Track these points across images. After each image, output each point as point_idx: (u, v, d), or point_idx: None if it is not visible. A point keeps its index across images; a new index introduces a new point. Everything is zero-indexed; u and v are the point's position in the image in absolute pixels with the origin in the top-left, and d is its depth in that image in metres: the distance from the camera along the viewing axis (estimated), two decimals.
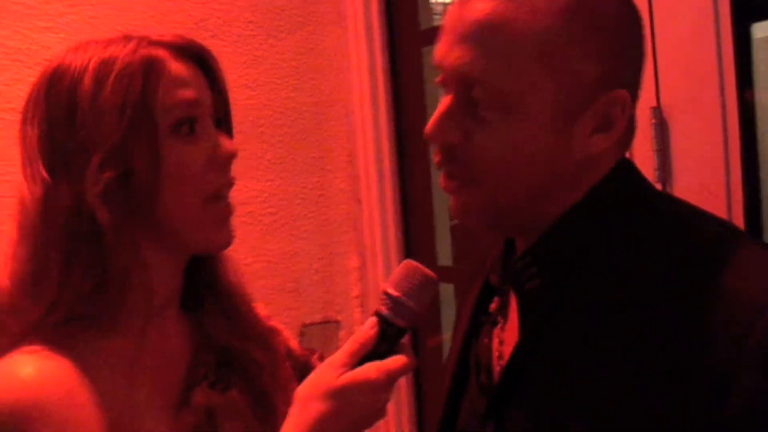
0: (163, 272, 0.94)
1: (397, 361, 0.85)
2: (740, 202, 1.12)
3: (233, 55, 1.91)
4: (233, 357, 0.99)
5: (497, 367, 0.86)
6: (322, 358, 0.92)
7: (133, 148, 0.87)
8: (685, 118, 1.19)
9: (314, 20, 2.02)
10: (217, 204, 0.94)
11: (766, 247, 0.79)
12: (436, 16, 2.06)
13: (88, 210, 0.87)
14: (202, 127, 0.93)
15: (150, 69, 0.89)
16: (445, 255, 1.99)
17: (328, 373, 0.85)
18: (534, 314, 0.82)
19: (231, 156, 0.95)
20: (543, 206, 0.81)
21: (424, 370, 1.95)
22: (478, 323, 0.93)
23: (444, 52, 0.80)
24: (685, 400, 0.69)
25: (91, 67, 0.88)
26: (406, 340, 0.89)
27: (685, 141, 1.19)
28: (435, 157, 0.84)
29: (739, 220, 1.12)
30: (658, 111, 1.21)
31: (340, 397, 0.83)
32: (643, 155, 1.19)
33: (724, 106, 1.13)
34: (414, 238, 2.00)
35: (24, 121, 0.91)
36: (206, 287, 1.02)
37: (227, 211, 0.96)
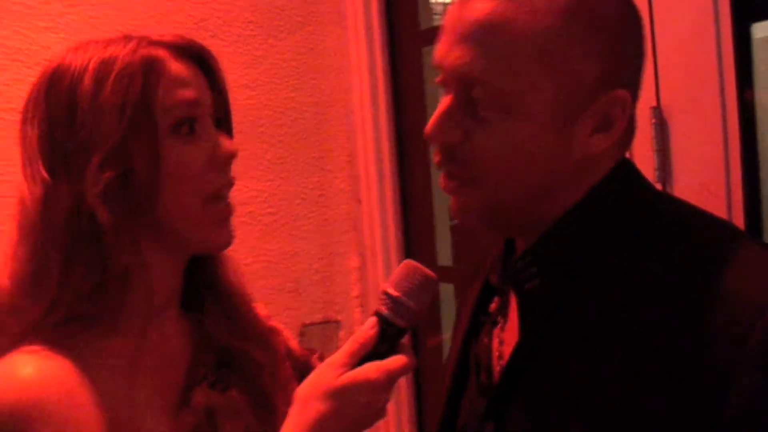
0: (164, 272, 0.94)
1: (397, 361, 0.85)
2: (740, 201, 1.12)
3: (233, 55, 1.91)
4: (233, 357, 0.99)
5: (497, 367, 0.86)
6: (322, 358, 0.92)
7: (133, 148, 0.87)
8: (685, 118, 1.19)
9: (314, 20, 2.02)
10: (217, 204, 0.94)
11: (766, 247, 0.79)
12: (436, 16, 2.06)
13: (88, 210, 0.87)
14: (202, 127, 0.93)
15: (150, 69, 0.89)
16: (445, 255, 1.99)
17: (328, 373, 0.85)
18: (534, 314, 0.82)
19: (231, 156, 0.95)
20: (543, 206, 0.81)
21: (424, 370, 1.95)
22: (478, 323, 0.93)
23: (444, 52, 0.80)
24: (685, 400, 0.69)
25: (91, 67, 0.88)
26: (406, 340, 0.89)
27: (685, 141, 1.19)
28: (435, 157, 0.84)
29: (739, 220, 1.12)
30: (658, 111, 1.21)
31: (340, 397, 0.83)
32: (643, 155, 1.19)
33: (724, 106, 1.13)
34: (414, 238, 2.00)
35: (24, 121, 0.91)
36: (206, 287, 1.02)
37: (227, 211, 0.96)
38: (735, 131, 1.13)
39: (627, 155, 0.84)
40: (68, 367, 0.86)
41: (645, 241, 0.78)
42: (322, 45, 2.03)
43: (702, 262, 0.74)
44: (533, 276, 0.81)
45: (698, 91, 1.16)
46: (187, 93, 0.91)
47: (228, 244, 0.97)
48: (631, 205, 0.81)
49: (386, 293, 0.87)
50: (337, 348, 0.87)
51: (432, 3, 2.07)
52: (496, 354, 0.87)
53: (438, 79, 0.83)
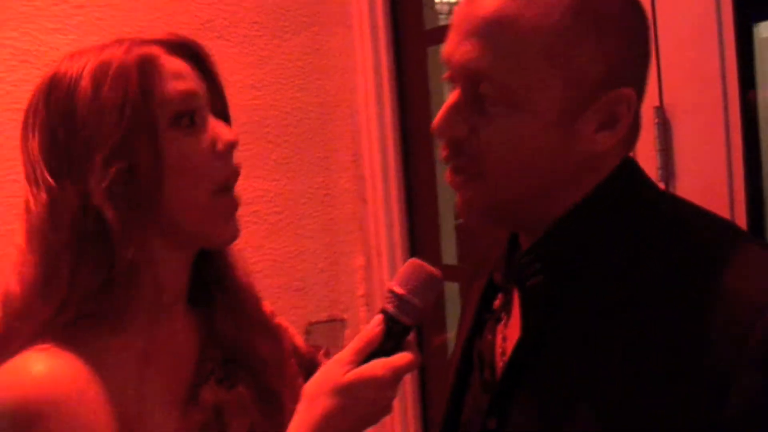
0: (171, 268, 0.95)
1: (402, 358, 0.86)
2: (743, 201, 1.13)
3: (239, 56, 1.92)
4: (240, 353, 1.00)
5: (500, 364, 0.86)
6: (328, 355, 0.93)
7: (135, 144, 0.88)
8: (688, 118, 1.19)
9: (320, 21, 2.03)
10: (225, 196, 0.95)
11: (766, 247, 0.79)
12: (442, 16, 2.07)
13: (94, 209, 0.87)
14: (202, 119, 0.94)
15: (145, 66, 0.90)
16: (449, 254, 1.99)
17: (335, 370, 0.86)
18: (536, 310, 0.82)
19: (232, 144, 0.95)
20: (548, 203, 0.82)
21: (429, 368, 1.95)
22: (482, 320, 0.93)
23: (452, 47, 0.80)
24: (685, 399, 0.69)
25: (88, 70, 0.89)
26: (411, 337, 0.90)
27: (688, 140, 1.19)
28: (442, 152, 0.84)
29: (741, 220, 1.12)
30: (661, 110, 1.21)
31: (347, 393, 0.84)
32: (646, 155, 1.19)
33: (726, 105, 1.13)
34: (419, 237, 2.01)
35: (24, 130, 0.92)
36: (214, 282, 1.02)
37: (234, 204, 0.96)
38: (738, 131, 1.13)
39: (630, 155, 0.85)
40: (78, 364, 0.87)
41: (645, 240, 0.78)
42: (327, 45, 2.04)
43: (702, 262, 0.75)
44: (536, 273, 0.82)
45: (701, 91, 1.16)
46: (184, 85, 0.92)
47: (234, 238, 0.97)
48: (633, 205, 0.81)
49: (392, 291, 0.88)
50: (343, 346, 0.88)
51: (437, 3, 2.07)
52: (499, 351, 0.88)
53: (446, 75, 0.83)
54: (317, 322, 2.03)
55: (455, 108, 0.80)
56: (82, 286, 0.87)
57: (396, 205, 2.00)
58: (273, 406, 0.99)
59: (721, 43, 1.14)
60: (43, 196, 0.88)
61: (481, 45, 0.77)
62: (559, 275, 0.81)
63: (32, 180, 0.90)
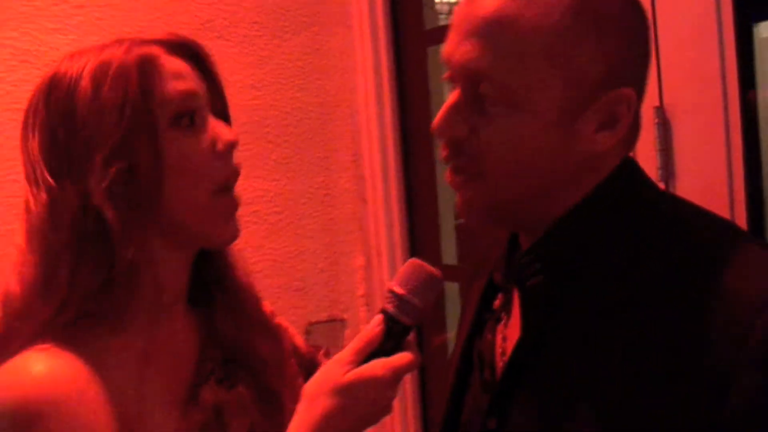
0: (171, 268, 0.95)
1: (402, 358, 0.86)
2: (743, 201, 1.13)
3: (239, 56, 1.92)
4: (240, 353, 1.00)
5: (500, 364, 0.87)
6: (328, 354, 0.93)
7: (135, 144, 0.88)
8: (688, 118, 1.19)
9: (319, 21, 2.03)
10: (225, 196, 0.95)
11: (766, 247, 0.79)
12: (442, 16, 2.07)
13: (95, 209, 0.87)
14: (202, 119, 0.94)
15: (145, 65, 0.90)
16: (449, 254, 1.99)
17: (335, 370, 0.86)
18: (536, 310, 0.82)
19: (232, 144, 0.95)
20: (547, 203, 0.82)
21: (429, 368, 1.96)
22: (482, 320, 0.93)
23: (452, 47, 0.80)
24: (685, 399, 0.70)
25: (88, 70, 0.89)
26: (411, 337, 0.90)
27: (688, 140, 1.20)
28: (442, 152, 0.84)
29: (741, 220, 1.12)
30: (660, 111, 1.21)
31: (347, 393, 0.84)
32: (645, 155, 1.19)
33: (726, 105, 1.14)
34: (419, 237, 2.01)
35: (24, 130, 0.92)
36: (214, 282, 1.02)
37: (234, 204, 0.96)
38: (738, 131, 1.13)
39: (630, 155, 0.85)
40: (78, 364, 0.87)
41: (645, 240, 0.78)
42: (327, 45, 2.04)
43: (702, 262, 0.75)
44: (536, 273, 0.82)
45: (701, 91, 1.17)
46: (184, 85, 0.92)
47: (234, 238, 0.98)
48: (633, 205, 0.81)
49: (392, 291, 0.88)
50: (343, 347, 0.88)
51: (437, 3, 2.08)
52: (499, 350, 0.88)
53: (446, 75, 0.83)
54: (317, 322, 2.04)
55: (455, 108, 0.81)
56: (82, 286, 0.87)
57: (396, 205, 2.00)
58: (273, 406, 0.99)
59: (721, 43, 1.14)
60: (43, 196, 0.89)
61: (481, 45, 0.77)
62: (559, 275, 0.81)
63: (32, 180, 0.90)
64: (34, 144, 0.90)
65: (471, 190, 0.83)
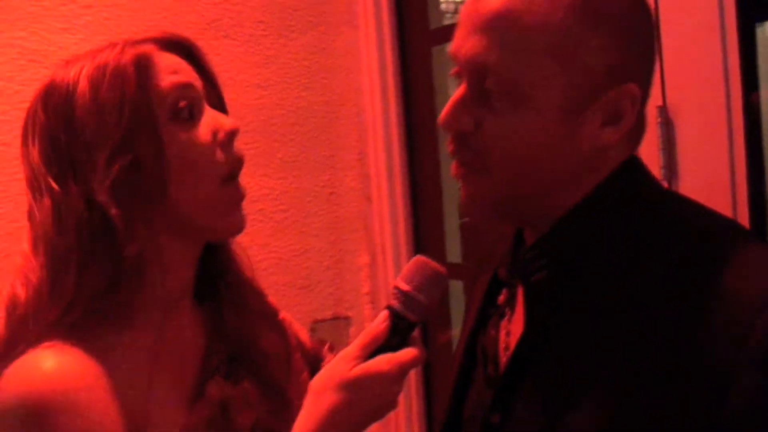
0: (178, 263, 0.96)
1: (408, 353, 0.87)
2: (745, 200, 1.13)
3: (245, 55, 1.92)
4: (245, 347, 1.01)
5: (504, 359, 0.87)
6: (332, 349, 0.93)
7: (136, 141, 0.89)
8: (691, 117, 1.19)
9: (325, 20, 2.03)
10: (230, 186, 0.96)
11: (766, 247, 0.79)
12: (447, 16, 2.07)
13: (100, 208, 0.88)
14: (200, 111, 0.95)
15: (141, 64, 0.91)
16: (454, 252, 2.00)
17: (341, 365, 0.86)
18: (540, 306, 0.82)
19: (233, 132, 0.96)
20: (551, 198, 0.82)
21: (434, 364, 1.96)
22: (486, 316, 0.94)
23: (459, 42, 0.81)
24: (685, 399, 0.70)
25: (84, 74, 0.90)
26: (416, 333, 0.90)
27: (691, 140, 1.20)
28: (449, 146, 0.84)
29: (744, 219, 1.12)
30: (663, 110, 1.21)
31: (353, 388, 0.85)
32: (648, 154, 1.18)
33: (729, 105, 1.14)
34: (423, 235, 2.01)
35: (24, 139, 0.93)
36: (219, 277, 1.03)
37: (240, 194, 0.97)
38: (740, 130, 1.13)
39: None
40: (87, 360, 0.88)
41: (646, 240, 0.78)
42: (333, 45, 2.04)
43: (702, 262, 0.75)
44: (541, 268, 0.82)
45: (704, 91, 1.17)
46: (179, 78, 0.93)
47: (241, 228, 0.98)
48: (635, 204, 0.81)
49: (398, 288, 0.88)
50: (347, 344, 0.89)
51: (442, 3, 2.08)
52: (502, 346, 0.88)
53: (453, 70, 0.84)
54: (322, 320, 2.04)
55: (461, 102, 0.81)
56: (89, 287, 0.88)
57: (401, 203, 2.00)
58: (278, 400, 1.00)
59: (724, 42, 1.14)
60: (47, 202, 0.89)
61: (487, 40, 0.78)
62: (563, 270, 0.81)
63: (35, 187, 0.91)
64: (35, 152, 0.91)
65: (474, 184, 0.83)
